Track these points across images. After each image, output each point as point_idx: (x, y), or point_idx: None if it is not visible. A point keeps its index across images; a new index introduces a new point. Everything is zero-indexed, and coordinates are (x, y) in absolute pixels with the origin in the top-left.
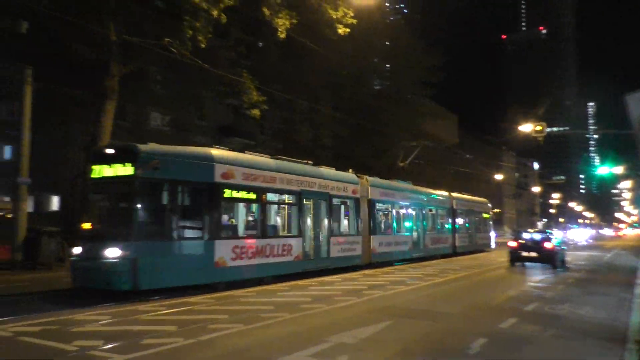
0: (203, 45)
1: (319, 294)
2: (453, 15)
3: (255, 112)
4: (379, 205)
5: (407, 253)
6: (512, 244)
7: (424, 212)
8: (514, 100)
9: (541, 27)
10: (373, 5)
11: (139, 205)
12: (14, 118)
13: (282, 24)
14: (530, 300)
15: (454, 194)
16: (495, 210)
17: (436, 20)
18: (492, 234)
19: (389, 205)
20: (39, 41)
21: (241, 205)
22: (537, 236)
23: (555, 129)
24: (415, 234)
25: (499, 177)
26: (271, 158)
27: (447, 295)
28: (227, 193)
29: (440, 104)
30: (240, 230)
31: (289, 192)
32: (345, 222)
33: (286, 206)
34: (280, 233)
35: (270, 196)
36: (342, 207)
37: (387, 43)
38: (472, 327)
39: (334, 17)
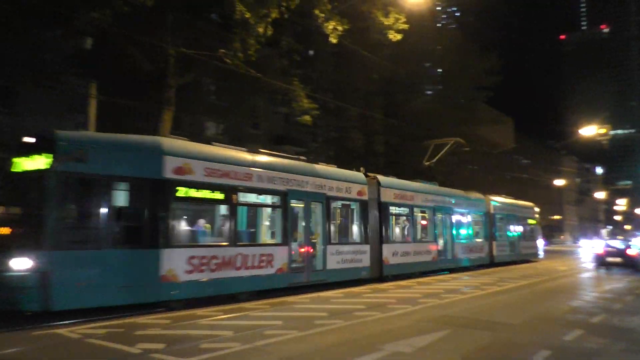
0: (253, 59)
1: (373, 302)
2: (509, 17)
3: (307, 118)
4: (393, 209)
5: (431, 264)
6: (599, 250)
7: (452, 217)
8: (575, 103)
9: (603, 26)
10: (424, 10)
11: (55, 206)
12: (80, 130)
13: (333, 28)
14: (596, 311)
15: (492, 197)
16: (555, 217)
17: (491, 22)
18: (540, 242)
19: (407, 209)
20: (102, 56)
21: (203, 207)
22: (621, 244)
23: (620, 131)
24: (441, 242)
25: (559, 182)
26: (248, 151)
27: (507, 305)
28: (182, 192)
29: (496, 108)
30: (201, 238)
31: (271, 192)
32: (348, 228)
33: (268, 209)
34: (259, 240)
35: (244, 196)
36: (345, 210)
37: (439, 47)
38: (535, 338)
39: (385, 23)
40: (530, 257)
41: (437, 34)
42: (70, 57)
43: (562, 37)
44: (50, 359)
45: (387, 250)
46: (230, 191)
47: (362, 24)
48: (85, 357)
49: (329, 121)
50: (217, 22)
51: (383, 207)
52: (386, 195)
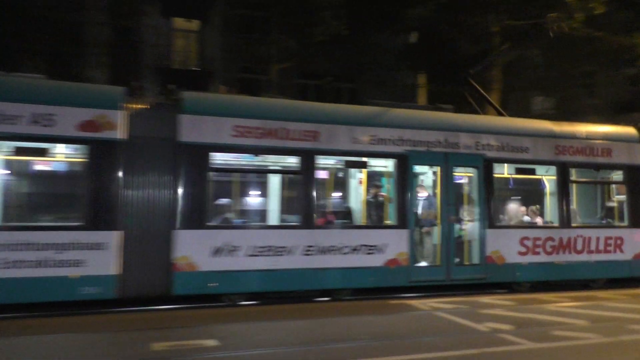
0: (600, 11)
1: None
2: None
3: None
4: (222, 160)
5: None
6: None
7: (492, 176)
8: None
9: None
10: None
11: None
12: None
13: None
14: None
15: None
16: None
17: None
18: None
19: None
20: (426, 47)
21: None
22: None
23: None
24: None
25: None
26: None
27: None
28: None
29: None
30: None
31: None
32: None
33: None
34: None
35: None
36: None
37: None
38: None
39: None
40: None
41: None
42: (399, 53)
43: None
44: (408, 323)
45: (202, 240)
46: None
47: None
48: (437, 328)
49: None
50: None
51: (188, 152)
52: (200, 130)
